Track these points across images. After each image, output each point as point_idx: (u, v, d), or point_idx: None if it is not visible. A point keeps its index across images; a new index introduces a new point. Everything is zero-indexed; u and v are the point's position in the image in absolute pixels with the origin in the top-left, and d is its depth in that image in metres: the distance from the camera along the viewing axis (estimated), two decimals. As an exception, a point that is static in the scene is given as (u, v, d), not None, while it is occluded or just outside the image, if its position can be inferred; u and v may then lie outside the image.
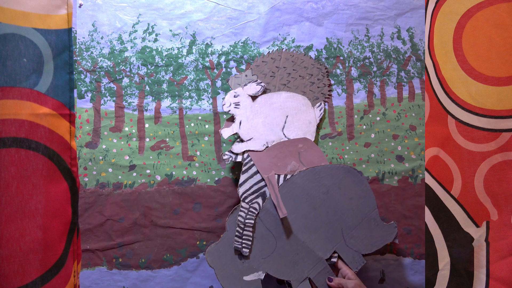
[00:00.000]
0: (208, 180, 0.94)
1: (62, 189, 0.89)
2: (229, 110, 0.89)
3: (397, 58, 0.97)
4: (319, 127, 0.95)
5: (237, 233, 0.84)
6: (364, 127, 0.96)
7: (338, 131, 0.96)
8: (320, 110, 0.93)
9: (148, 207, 0.93)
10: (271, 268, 0.84)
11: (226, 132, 0.89)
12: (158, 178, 0.93)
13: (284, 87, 0.92)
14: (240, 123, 0.89)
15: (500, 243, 0.80)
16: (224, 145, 0.95)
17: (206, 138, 0.95)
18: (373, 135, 0.96)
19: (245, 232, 0.84)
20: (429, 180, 0.93)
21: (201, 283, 0.93)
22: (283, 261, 0.84)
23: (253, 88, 0.89)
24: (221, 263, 0.84)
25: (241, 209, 0.85)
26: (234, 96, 0.89)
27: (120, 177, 0.93)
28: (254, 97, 0.91)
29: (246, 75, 0.91)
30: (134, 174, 0.93)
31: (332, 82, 0.96)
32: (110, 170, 0.93)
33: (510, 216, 0.80)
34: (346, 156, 0.95)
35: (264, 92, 0.91)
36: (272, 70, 0.92)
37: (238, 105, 0.89)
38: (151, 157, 0.94)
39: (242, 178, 0.87)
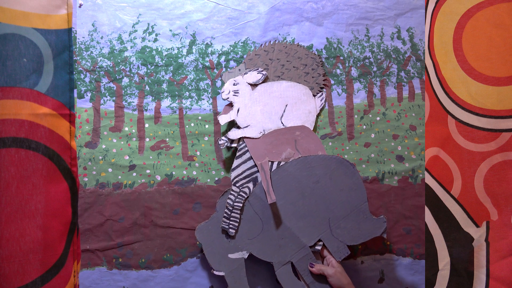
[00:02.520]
0: (208, 180, 0.94)
1: (62, 189, 0.89)
2: (228, 98, 0.90)
3: (397, 58, 0.97)
4: (318, 117, 0.95)
5: (225, 215, 0.87)
6: (364, 127, 0.96)
7: (338, 131, 0.96)
8: (321, 100, 0.93)
9: (148, 207, 0.93)
10: (255, 249, 0.87)
11: (223, 119, 0.90)
12: (158, 178, 0.93)
13: (279, 79, 0.93)
14: (238, 110, 0.90)
15: (500, 243, 0.80)
16: (224, 145, 0.95)
17: (206, 138, 0.95)
18: (373, 135, 0.96)
19: (232, 214, 0.87)
20: (429, 180, 0.93)
21: (201, 283, 0.93)
22: (268, 244, 0.87)
23: (254, 76, 0.90)
24: (209, 240, 0.88)
25: (231, 192, 0.88)
26: (234, 84, 0.90)
27: (120, 177, 0.93)
28: (254, 86, 0.91)
29: (239, 70, 0.92)
30: (134, 174, 0.93)
31: (332, 82, 0.96)
32: (110, 170, 0.93)
33: (510, 216, 0.80)
34: (346, 156, 0.95)
35: (265, 80, 0.92)
36: (266, 63, 0.93)
37: (237, 92, 0.90)
38: (151, 157, 0.94)
39: (236, 163, 0.90)
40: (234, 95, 0.90)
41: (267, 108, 0.91)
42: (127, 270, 0.92)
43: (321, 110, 0.95)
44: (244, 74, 0.91)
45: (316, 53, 0.95)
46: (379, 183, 0.95)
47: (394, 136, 0.96)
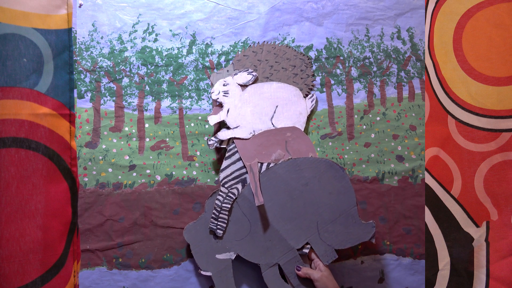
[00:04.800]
0: (208, 180, 0.94)
1: (62, 189, 0.89)
2: (218, 98, 0.90)
3: (397, 58, 0.97)
4: (309, 118, 0.95)
5: (213, 215, 0.88)
6: (364, 127, 0.96)
7: (338, 131, 0.96)
8: (311, 102, 0.93)
9: (148, 207, 0.93)
10: (243, 250, 0.87)
11: (213, 119, 0.90)
12: (158, 178, 0.93)
13: (267, 80, 0.93)
14: (228, 111, 0.90)
15: (500, 243, 0.80)
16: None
17: (206, 138, 0.95)
18: (373, 135, 0.96)
19: (221, 215, 0.87)
20: (429, 180, 0.93)
21: (201, 283, 0.93)
22: (255, 245, 0.87)
23: (244, 77, 0.90)
24: (197, 240, 0.88)
25: (220, 193, 0.88)
26: (224, 85, 0.90)
27: (120, 177, 0.93)
28: (244, 86, 0.91)
29: (227, 71, 0.92)
30: (134, 174, 0.93)
31: (332, 82, 0.96)
32: (110, 170, 0.93)
33: (510, 216, 0.80)
34: (346, 156, 0.95)
35: (255, 81, 0.92)
36: (254, 64, 0.93)
37: (227, 93, 0.90)
38: (151, 157, 0.94)
39: (225, 163, 0.90)
40: (224, 95, 0.90)
41: (257, 109, 0.91)
42: (127, 270, 0.92)
43: (312, 111, 0.94)
44: (234, 74, 0.91)
45: (301, 52, 0.95)
46: (379, 183, 0.95)
47: (394, 136, 0.96)
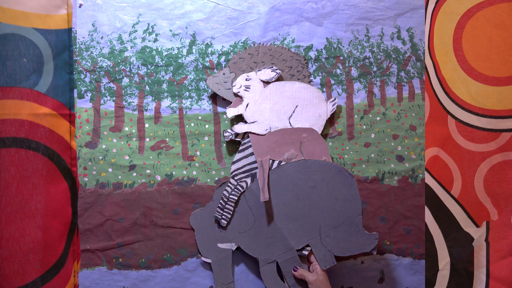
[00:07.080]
0: (208, 180, 0.94)
1: (62, 189, 0.89)
2: (239, 92, 0.91)
3: (397, 58, 0.97)
4: (332, 122, 0.95)
5: (219, 205, 0.89)
6: (364, 127, 0.96)
7: (338, 131, 0.96)
8: (333, 105, 0.93)
9: (148, 207, 0.93)
10: (244, 243, 0.89)
11: (231, 112, 0.91)
12: (158, 178, 0.93)
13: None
14: (247, 105, 0.90)
15: (500, 243, 0.80)
16: (224, 145, 0.95)
17: (206, 138, 0.95)
18: (373, 135, 0.96)
19: (227, 206, 0.89)
20: (429, 180, 0.93)
21: (201, 283, 0.93)
22: (257, 240, 0.88)
23: (267, 74, 0.91)
24: (202, 227, 0.91)
25: (229, 184, 0.90)
26: (246, 79, 0.91)
27: (120, 177, 0.93)
28: (266, 83, 0.92)
29: (224, 73, 0.92)
30: (134, 174, 0.93)
31: (332, 82, 0.96)
32: (110, 170, 0.93)
33: (510, 216, 0.80)
34: (346, 156, 0.95)
35: (278, 79, 0.92)
36: (250, 66, 0.93)
37: (249, 88, 0.91)
38: (151, 157, 0.94)
39: (237, 156, 0.91)
40: (245, 90, 0.91)
41: (277, 106, 0.92)
42: (127, 270, 0.92)
43: (332, 115, 0.94)
44: (258, 70, 0.91)
45: (296, 52, 0.95)
46: (379, 183, 0.95)
47: (394, 136, 0.96)
